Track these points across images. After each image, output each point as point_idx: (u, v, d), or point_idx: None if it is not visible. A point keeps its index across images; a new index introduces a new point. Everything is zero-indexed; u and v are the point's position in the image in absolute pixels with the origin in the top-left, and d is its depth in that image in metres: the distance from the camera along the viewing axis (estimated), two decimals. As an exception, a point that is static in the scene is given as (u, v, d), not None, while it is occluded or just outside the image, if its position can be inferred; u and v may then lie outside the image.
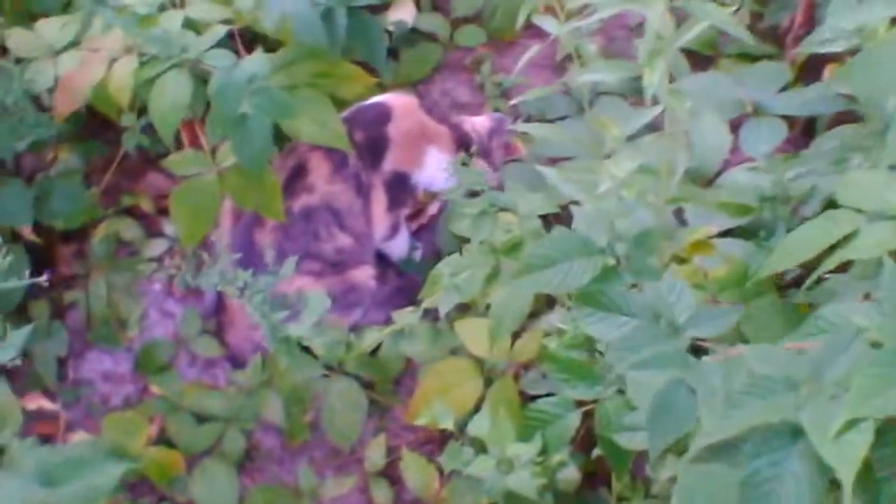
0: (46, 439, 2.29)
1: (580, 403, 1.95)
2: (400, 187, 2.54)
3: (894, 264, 1.31)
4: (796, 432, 1.19)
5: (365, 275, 2.50)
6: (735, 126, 2.48)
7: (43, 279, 1.94)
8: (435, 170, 2.54)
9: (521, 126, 2.49)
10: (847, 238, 1.49)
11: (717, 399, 1.28)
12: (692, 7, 1.65)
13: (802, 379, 1.21)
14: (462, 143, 2.57)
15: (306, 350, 2.23)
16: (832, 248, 1.54)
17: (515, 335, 2.21)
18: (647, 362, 1.39)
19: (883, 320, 1.23)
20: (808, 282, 1.70)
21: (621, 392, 1.85)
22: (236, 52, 2.30)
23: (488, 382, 2.25)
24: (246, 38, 2.40)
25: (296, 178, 2.41)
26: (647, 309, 1.51)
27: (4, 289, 1.96)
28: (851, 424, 1.13)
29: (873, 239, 1.43)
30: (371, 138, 2.48)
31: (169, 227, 2.67)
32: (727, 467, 1.25)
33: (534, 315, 2.20)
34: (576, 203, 2.06)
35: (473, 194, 2.04)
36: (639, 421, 1.64)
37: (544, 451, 1.94)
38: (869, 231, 1.45)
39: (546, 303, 2.26)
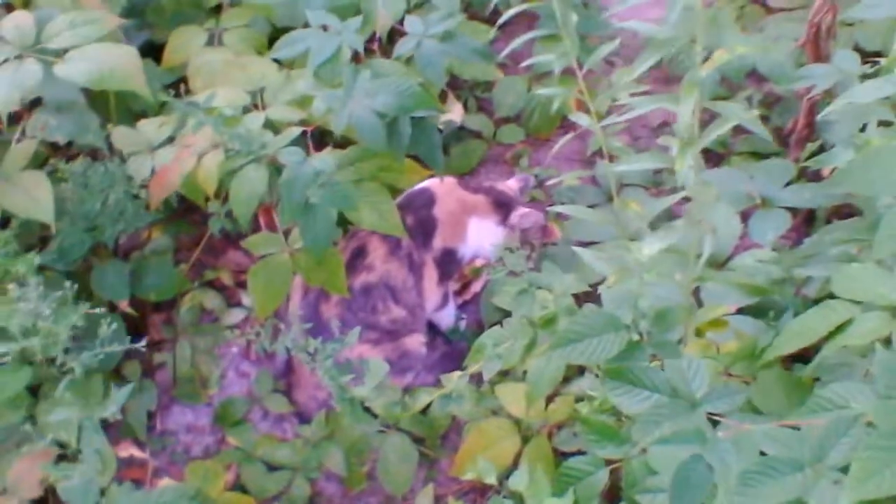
0: (136, 483, 2.31)
1: (608, 462, 1.95)
2: (448, 261, 2.57)
3: (885, 352, 1.33)
4: None
5: (417, 342, 2.52)
6: (745, 216, 2.50)
7: (140, 345, 2.01)
8: (478, 237, 2.57)
9: (558, 208, 2.52)
10: (844, 325, 1.50)
11: (731, 476, 1.30)
12: (720, 108, 1.68)
13: (807, 460, 1.23)
14: (499, 203, 2.58)
15: (366, 409, 2.26)
16: (831, 333, 1.56)
17: (549, 398, 2.24)
18: (668, 438, 1.41)
19: (877, 403, 1.25)
20: (811, 365, 1.71)
21: (645, 451, 1.86)
22: (307, 148, 2.34)
23: (525, 440, 2.27)
24: (318, 136, 2.44)
25: (357, 258, 2.45)
26: (667, 384, 1.53)
27: (106, 352, 2.02)
28: None
29: (866, 328, 1.45)
30: (421, 221, 2.52)
31: (246, 299, 2.71)
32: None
33: (566, 380, 2.22)
34: (603, 284, 2.08)
35: (514, 273, 2.07)
36: (659, 483, 1.65)
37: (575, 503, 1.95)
38: (862, 320, 1.47)
39: (577, 370, 2.27)
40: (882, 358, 1.31)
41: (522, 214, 2.59)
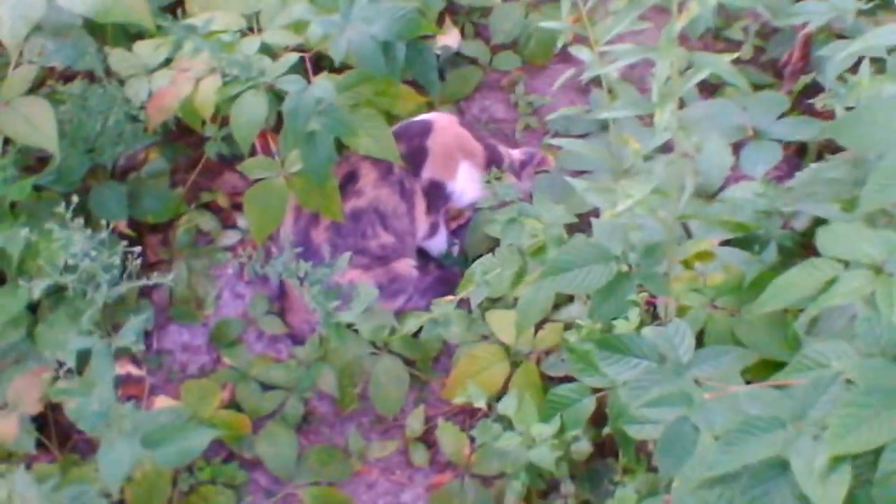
0: (133, 400, 2.35)
1: (595, 390, 2.00)
2: (436, 194, 2.58)
3: (868, 311, 1.36)
4: (784, 466, 1.25)
5: (407, 266, 2.54)
6: (736, 148, 2.51)
7: (157, 280, 2.04)
8: (465, 182, 2.60)
9: (551, 140, 2.53)
10: (828, 284, 1.52)
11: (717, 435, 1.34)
12: (696, 58, 1.69)
13: (788, 417, 1.27)
14: (493, 162, 2.60)
15: (356, 332, 2.30)
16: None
17: (538, 325, 2.28)
18: (656, 401, 1.46)
19: (857, 361, 1.29)
20: (800, 320, 1.74)
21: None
22: (305, 73, 2.35)
23: (514, 365, 2.31)
24: (314, 60, 2.43)
25: (347, 182, 2.45)
26: (654, 351, 1.57)
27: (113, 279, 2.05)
28: (834, 464, 1.18)
29: (850, 286, 1.46)
30: (412, 150, 2.52)
31: (241, 221, 2.72)
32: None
33: (555, 307, 2.26)
34: (594, 215, 2.11)
35: (504, 203, 2.10)
36: (646, 414, 1.70)
37: (562, 429, 2.00)
38: (846, 279, 1.48)
39: (567, 298, 2.31)
40: (864, 317, 1.34)
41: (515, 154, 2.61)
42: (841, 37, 2.52)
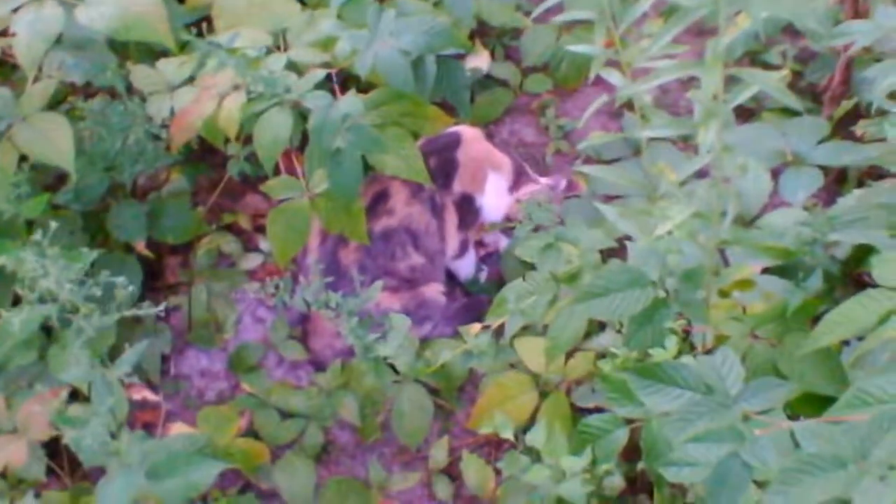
0: (148, 427, 2.30)
1: (629, 421, 1.92)
2: (467, 208, 2.54)
3: None
4: None
5: (435, 291, 2.50)
6: (775, 173, 2.45)
7: (158, 310, 1.96)
8: (493, 196, 2.55)
9: (583, 168, 2.48)
10: (886, 315, 1.44)
11: (772, 474, 1.26)
12: (744, 73, 1.63)
13: (850, 457, 1.20)
14: (519, 172, 2.56)
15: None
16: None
17: (569, 354, 2.22)
18: (703, 436, 1.37)
19: None
20: (852, 358, 1.66)
21: (667, 413, 1.82)
22: (332, 92, 2.31)
23: (543, 395, 2.25)
24: (341, 78, 2.39)
25: (378, 202, 2.42)
26: (700, 381, 1.48)
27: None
28: None
29: None
30: (443, 162, 2.49)
31: (263, 243, 2.69)
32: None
33: (586, 336, 2.19)
34: (629, 239, 2.04)
35: (538, 227, 2.04)
36: (684, 456, 1.62)
37: (593, 462, 1.92)
38: None
39: (598, 326, 2.25)
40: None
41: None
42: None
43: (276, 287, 2.04)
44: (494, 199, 2.56)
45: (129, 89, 2.40)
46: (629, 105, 2.41)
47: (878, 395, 1.29)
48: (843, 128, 2.60)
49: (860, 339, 1.66)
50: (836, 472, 1.18)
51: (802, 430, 1.27)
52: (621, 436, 1.92)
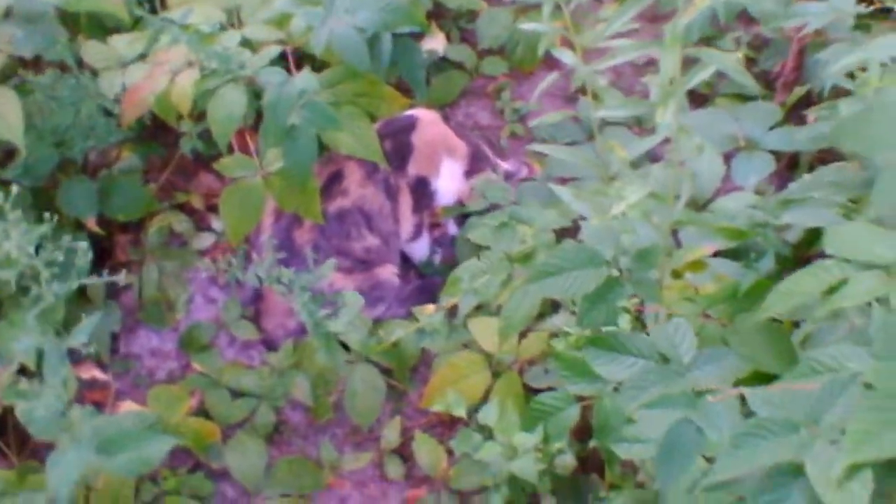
0: (98, 406, 2.28)
1: (580, 398, 1.93)
2: (422, 191, 2.54)
3: (883, 312, 1.30)
4: (798, 471, 1.18)
5: (389, 272, 2.50)
6: (728, 158, 2.47)
7: (118, 277, 1.92)
8: (448, 180, 2.55)
9: (537, 147, 2.48)
10: (837, 286, 1.46)
11: (724, 439, 1.27)
12: (702, 53, 1.64)
13: (802, 421, 1.21)
14: (478, 162, 2.56)
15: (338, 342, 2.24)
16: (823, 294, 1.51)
17: (522, 334, 2.22)
18: (656, 402, 1.38)
19: (876, 364, 1.22)
20: (803, 331, 1.68)
21: (617, 389, 1.84)
22: (287, 71, 2.29)
23: (496, 375, 2.24)
24: (296, 58, 2.38)
25: (332, 182, 2.41)
26: (653, 350, 1.49)
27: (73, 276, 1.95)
28: (852, 471, 1.12)
29: (862, 288, 1.41)
30: (398, 145, 2.48)
31: (216, 223, 2.66)
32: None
33: (539, 317, 2.19)
34: (584, 220, 2.05)
35: (492, 207, 2.04)
36: (635, 433, 1.64)
37: (545, 440, 1.93)
38: (857, 280, 1.42)
39: (551, 307, 2.25)
40: (879, 319, 1.28)
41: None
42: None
43: (229, 264, 2.03)
44: (449, 184, 2.56)
45: (80, 64, 2.36)
46: (584, 90, 2.41)
47: (830, 364, 1.30)
48: (795, 114, 2.63)
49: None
50: (787, 437, 1.20)
51: (754, 396, 1.29)
52: (573, 413, 1.93)
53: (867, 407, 1.14)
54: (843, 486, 1.11)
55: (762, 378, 1.68)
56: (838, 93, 2.14)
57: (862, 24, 2.39)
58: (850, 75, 2.02)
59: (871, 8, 2.27)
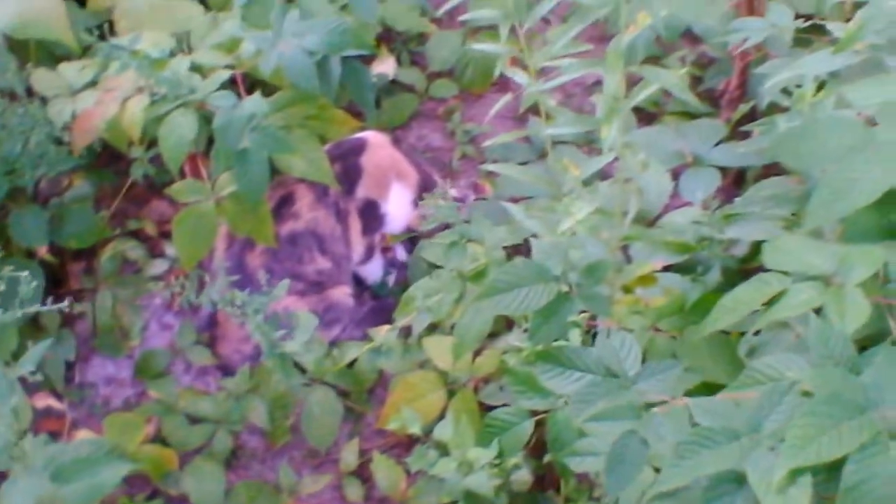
0: (53, 435, 2.26)
1: (534, 413, 1.95)
2: (371, 214, 2.54)
3: (819, 321, 1.33)
4: (741, 479, 1.21)
5: (343, 293, 2.50)
6: (675, 174, 2.50)
7: (63, 305, 1.91)
8: (397, 205, 2.56)
9: (489, 166, 2.51)
10: (776, 297, 1.49)
11: (667, 449, 1.30)
12: (646, 72, 1.68)
13: (743, 430, 1.24)
14: (427, 188, 2.56)
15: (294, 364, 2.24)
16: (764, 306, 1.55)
17: (476, 352, 2.24)
18: (602, 415, 1.41)
19: (813, 371, 1.26)
20: (745, 339, 1.72)
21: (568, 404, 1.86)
22: (238, 95, 2.30)
23: (451, 393, 2.26)
24: (247, 83, 2.39)
25: (283, 206, 2.41)
26: (599, 364, 1.52)
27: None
28: (792, 477, 1.15)
29: (799, 299, 1.44)
30: (347, 168, 2.48)
31: (169, 249, 2.64)
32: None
33: (493, 335, 2.22)
34: (535, 237, 2.08)
35: (444, 227, 2.06)
36: (587, 446, 1.66)
37: (501, 456, 1.95)
38: (795, 292, 1.46)
39: (505, 325, 2.27)
40: (815, 327, 1.32)
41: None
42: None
43: (182, 287, 2.03)
44: (398, 209, 2.57)
45: (30, 92, 2.37)
46: (535, 110, 2.44)
47: (769, 374, 1.34)
48: (740, 131, 2.67)
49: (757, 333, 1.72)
50: (729, 445, 1.23)
51: (697, 406, 1.32)
52: (527, 427, 1.95)
53: (805, 413, 1.17)
54: (783, 491, 1.14)
55: (710, 389, 1.70)
56: (778, 108, 2.19)
57: (802, 40, 2.43)
58: (788, 91, 2.07)
59: (808, 23, 2.32)
